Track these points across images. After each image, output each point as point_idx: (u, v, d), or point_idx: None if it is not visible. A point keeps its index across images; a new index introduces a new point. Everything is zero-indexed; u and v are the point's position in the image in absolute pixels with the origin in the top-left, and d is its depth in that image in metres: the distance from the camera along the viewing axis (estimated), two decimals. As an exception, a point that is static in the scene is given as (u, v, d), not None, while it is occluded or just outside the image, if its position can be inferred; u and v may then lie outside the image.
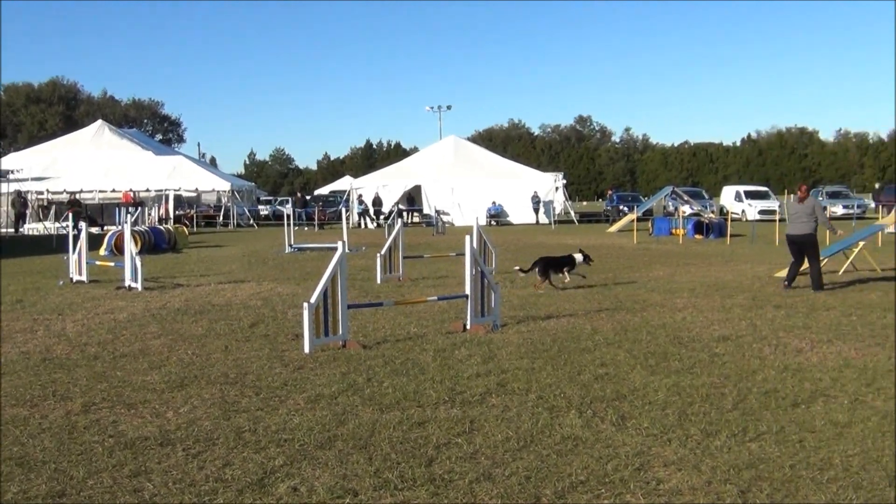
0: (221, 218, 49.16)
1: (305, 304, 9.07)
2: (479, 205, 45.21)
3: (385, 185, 48.98)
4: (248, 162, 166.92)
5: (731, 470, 5.35)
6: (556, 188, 49.09)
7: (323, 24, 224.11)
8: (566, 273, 15.30)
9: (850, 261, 17.46)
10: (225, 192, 51.44)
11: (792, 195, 16.16)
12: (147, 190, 47.98)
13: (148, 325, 11.21)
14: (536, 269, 15.17)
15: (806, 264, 14.78)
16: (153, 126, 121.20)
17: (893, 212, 30.90)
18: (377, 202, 47.82)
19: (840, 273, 16.77)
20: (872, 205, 52.79)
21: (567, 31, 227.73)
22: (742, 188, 54.06)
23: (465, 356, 8.96)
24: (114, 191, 47.53)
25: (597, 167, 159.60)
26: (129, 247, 15.71)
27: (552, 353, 9.11)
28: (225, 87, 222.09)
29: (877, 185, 66.40)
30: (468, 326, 10.45)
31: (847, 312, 11.86)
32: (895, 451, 5.67)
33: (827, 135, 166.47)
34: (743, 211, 48.80)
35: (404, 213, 47.00)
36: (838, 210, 48.26)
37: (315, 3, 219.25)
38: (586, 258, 15.67)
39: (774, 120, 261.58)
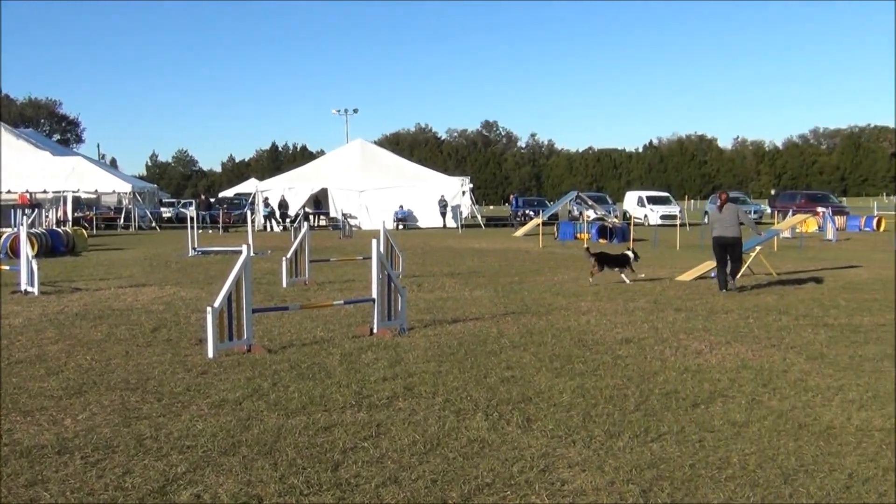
0: (122, 220, 48.06)
1: (209, 308, 8.92)
2: (386, 208, 45.15)
3: (291, 187, 48.50)
4: (149, 163, 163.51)
5: (633, 470, 5.45)
6: (463, 192, 49.30)
7: (228, 22, 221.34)
8: (622, 270, 16.97)
9: (746, 265, 17.93)
10: (126, 193, 50.27)
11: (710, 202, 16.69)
12: (44, 191, 46.57)
13: (45, 331, 10.88)
14: (593, 259, 16.75)
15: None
16: (50, 126, 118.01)
17: (788, 217, 31.97)
18: (283, 205, 47.32)
19: (738, 277, 17.19)
20: (769, 210, 54.39)
21: (473, 35, 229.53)
22: (644, 193, 55.08)
23: (372, 360, 8.93)
24: (9, 192, 46.00)
25: (503, 172, 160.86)
26: (26, 250, 15.24)
27: (459, 356, 9.15)
28: (125, 86, 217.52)
29: (773, 192, 68.51)
30: (375, 330, 10.42)
31: (744, 315, 12.19)
32: (790, 450, 5.85)
33: (725, 142, 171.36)
34: (645, 216, 49.73)
35: (311, 217, 46.64)
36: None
37: (218, 1, 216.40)
38: (635, 256, 17.29)
39: (675, 127, 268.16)
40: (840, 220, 40.05)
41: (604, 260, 16.75)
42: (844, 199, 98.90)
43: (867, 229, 39.92)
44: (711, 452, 5.81)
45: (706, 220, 16.25)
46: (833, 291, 15.03)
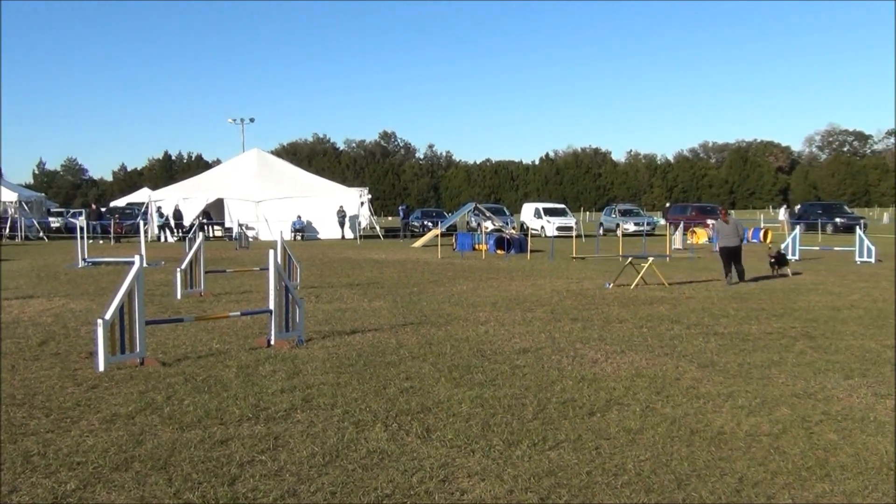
0: (8, 230, 46.38)
1: (99, 321, 8.67)
2: (283, 219, 44.68)
3: (186, 197, 47.57)
4: (37, 172, 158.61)
5: (531, 478, 5.49)
6: (362, 203, 49.15)
7: (119, 24, 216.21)
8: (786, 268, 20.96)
9: (640, 275, 18.34)
10: (11, 203, 48.53)
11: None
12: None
13: (-77, 345, 10.41)
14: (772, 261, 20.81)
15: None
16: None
17: (679, 229, 32.79)
18: (178, 215, 46.39)
19: (632, 287, 17.58)
20: (662, 222, 55.70)
21: (371, 46, 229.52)
22: (541, 205, 55.76)
23: (270, 372, 8.81)
24: None
25: (402, 183, 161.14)
26: None
27: (358, 367, 9.10)
28: (10, 91, 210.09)
29: (667, 205, 70.22)
30: (272, 342, 10.29)
31: (639, 325, 12.44)
32: (683, 456, 5.99)
33: (619, 155, 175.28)
34: (542, 227, 50.36)
35: (206, 227, 45.85)
36: (630, 227, 50.59)
37: (109, 2, 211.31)
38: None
39: (571, 140, 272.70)
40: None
41: (780, 261, 21.28)
42: (733, 211, 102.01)
43: (754, 241, 41.16)
44: (608, 459, 5.91)
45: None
46: (723, 301, 15.46)
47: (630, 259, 19.17)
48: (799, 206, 63.70)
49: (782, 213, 65.01)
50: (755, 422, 6.91)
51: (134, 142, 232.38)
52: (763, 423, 6.85)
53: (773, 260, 21.39)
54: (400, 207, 61.90)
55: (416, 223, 56.65)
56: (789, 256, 26.81)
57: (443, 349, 10.23)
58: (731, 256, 19.35)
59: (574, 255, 28.04)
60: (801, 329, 12.03)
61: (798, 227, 33.68)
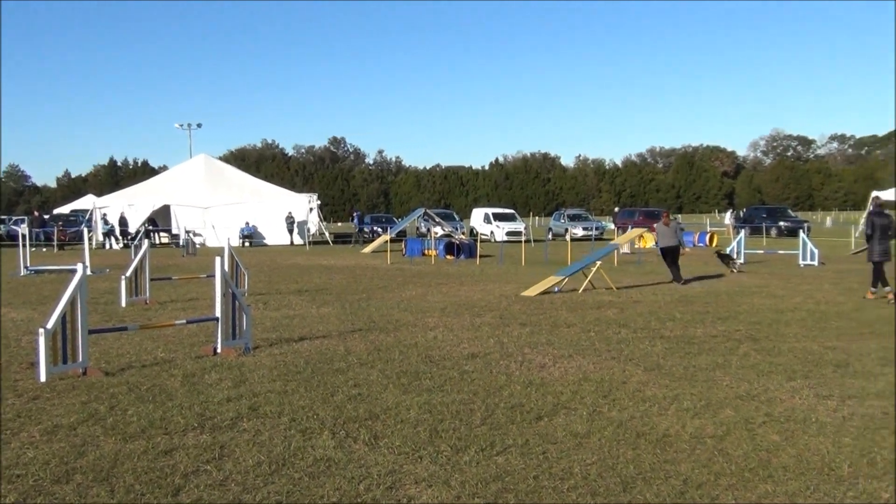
0: (-53, 238, 45.49)
1: (41, 330, 8.52)
2: (231, 225, 44.26)
3: (132, 204, 46.92)
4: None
5: (479, 484, 5.49)
6: (311, 209, 48.87)
7: (62, 28, 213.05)
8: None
9: (588, 279, 18.47)
10: (-48, 210, 47.64)
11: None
12: None
13: None
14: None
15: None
16: None
17: (627, 232, 33.06)
18: (123, 222, 45.75)
19: (580, 291, 17.69)
20: (611, 226, 56.12)
21: (319, 50, 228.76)
22: (490, 210, 55.93)
23: (216, 380, 8.72)
24: None
25: (351, 188, 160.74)
26: None
27: (305, 374, 9.04)
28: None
29: (616, 209, 70.82)
30: (219, 350, 10.19)
31: (586, 329, 12.52)
32: (629, 459, 6.03)
33: (568, 160, 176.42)
34: (492, 232, 50.51)
35: (152, 234, 45.30)
36: (579, 231, 50.91)
37: (50, 4, 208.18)
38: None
39: (520, 146, 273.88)
40: (675, 236, 41.58)
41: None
42: (680, 215, 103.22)
43: (700, 245, 41.67)
44: (555, 463, 5.93)
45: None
46: (669, 305, 15.62)
47: (598, 265, 19.29)
48: (744, 210, 64.60)
49: (728, 217, 65.95)
50: (700, 424, 6.98)
51: (78, 148, 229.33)
52: (707, 426, 6.93)
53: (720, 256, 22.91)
54: (355, 213, 61.73)
55: (366, 229, 56.52)
56: (736, 259, 27.26)
57: (391, 355, 10.21)
58: (670, 256, 20.98)
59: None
60: (746, 332, 12.20)
61: (743, 230, 34.12)
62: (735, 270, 22.54)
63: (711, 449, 6.28)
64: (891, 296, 16.02)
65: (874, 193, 27.46)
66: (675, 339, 11.57)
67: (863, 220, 16.84)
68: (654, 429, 6.83)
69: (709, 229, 50.36)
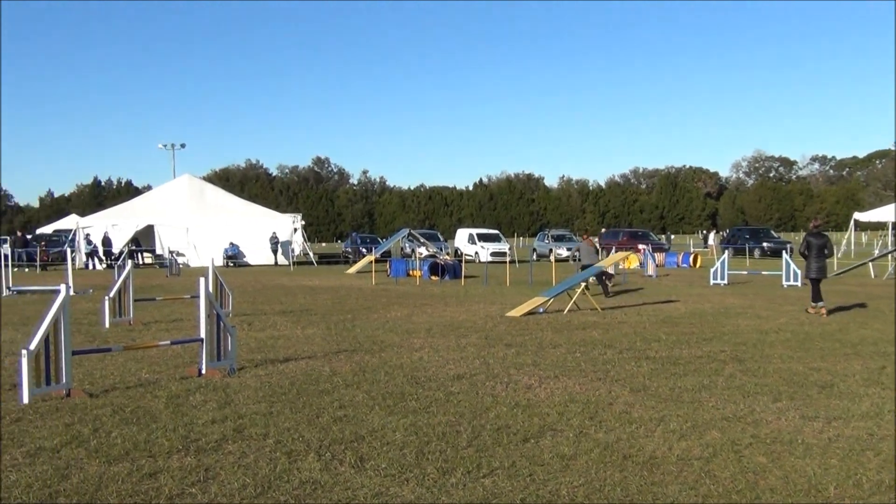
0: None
1: (24, 351, 8.45)
2: (215, 245, 44.16)
3: (115, 224, 46.73)
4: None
5: (466, 506, 5.47)
6: (295, 229, 48.83)
7: (45, 46, 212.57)
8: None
9: (573, 300, 18.49)
10: (-67, 230, 47.36)
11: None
12: None
13: None
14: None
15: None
16: None
17: (612, 255, 33.13)
18: (107, 242, 45.54)
19: (565, 312, 17.71)
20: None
21: (304, 72, 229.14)
22: (475, 231, 55.98)
23: (201, 402, 8.67)
24: None
25: (336, 209, 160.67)
26: None
27: (291, 396, 9.00)
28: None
29: (602, 230, 71.05)
30: (203, 371, 10.13)
31: (572, 349, 12.52)
32: (616, 481, 6.02)
33: (551, 181, 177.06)
34: (476, 253, 50.52)
35: (136, 254, 45.12)
36: (563, 252, 51.01)
37: (35, 26, 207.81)
38: None
39: (504, 166, 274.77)
40: (659, 257, 41.83)
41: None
42: (663, 236, 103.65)
43: (684, 265, 41.81)
44: (541, 486, 5.91)
45: (574, 254, 26.12)
46: (654, 325, 15.65)
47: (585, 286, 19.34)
48: (727, 231, 64.93)
49: (711, 238, 66.24)
50: (686, 446, 6.98)
51: (61, 167, 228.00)
52: (694, 447, 6.93)
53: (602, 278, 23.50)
54: (353, 234, 61.73)
55: (349, 249, 56.49)
56: (718, 281, 27.33)
57: (377, 376, 10.18)
58: (602, 272, 23.03)
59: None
60: (731, 353, 12.23)
61: (727, 251, 34.26)
62: (608, 294, 22.99)
63: (698, 471, 6.28)
64: (823, 311, 17.50)
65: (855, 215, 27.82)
66: (661, 359, 11.58)
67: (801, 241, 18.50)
68: (641, 451, 6.81)
69: (692, 250, 50.52)
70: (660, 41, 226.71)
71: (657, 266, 36.14)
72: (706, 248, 63.82)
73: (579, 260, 24.63)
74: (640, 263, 38.77)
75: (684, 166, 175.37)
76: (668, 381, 9.91)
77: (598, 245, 25.00)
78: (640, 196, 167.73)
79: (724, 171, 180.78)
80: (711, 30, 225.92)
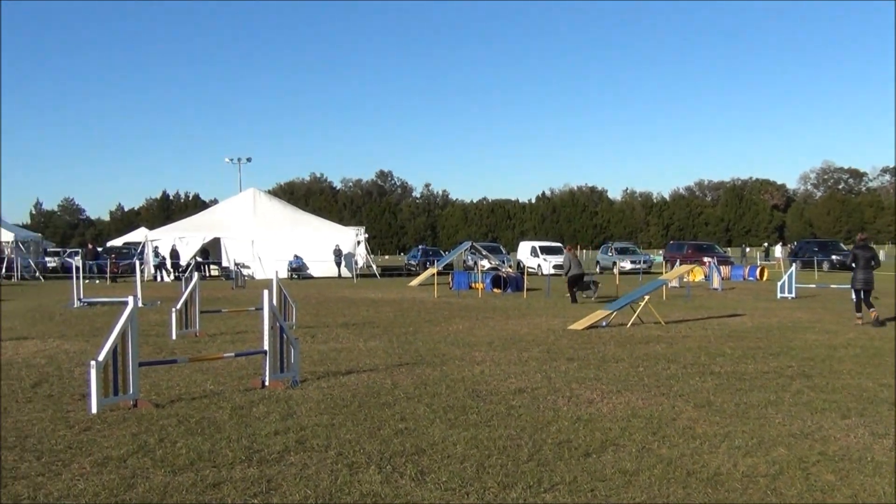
0: (4, 270, 46.36)
1: (93, 362, 8.62)
2: (280, 258, 44.64)
3: (182, 237, 47.59)
4: (34, 212, 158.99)
5: (526, 521, 5.43)
6: (358, 242, 49.19)
7: (117, 66, 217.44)
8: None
9: (636, 314, 18.31)
10: (8, 243, 48.61)
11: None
12: (-80, 241, 44.69)
13: (-84, 387, 10.34)
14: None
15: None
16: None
17: (676, 268, 32.78)
18: (174, 255, 46.38)
19: (628, 326, 17.54)
20: (659, 259, 55.71)
21: (368, 86, 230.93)
22: (537, 244, 55.79)
23: (264, 413, 8.75)
24: None
25: (398, 221, 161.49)
26: None
27: (352, 408, 9.04)
28: (8, 131, 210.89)
29: (671, 243, 70.39)
30: (267, 383, 10.23)
31: (635, 364, 12.39)
32: (679, 498, 5.93)
33: (615, 194, 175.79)
34: (539, 265, 50.36)
35: (202, 266, 45.81)
36: (627, 265, 50.60)
37: (105, 45, 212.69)
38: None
39: (567, 179, 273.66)
40: (725, 270, 41.28)
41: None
42: (729, 249, 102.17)
43: (751, 279, 41.20)
44: (603, 501, 5.85)
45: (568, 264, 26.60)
46: (719, 340, 15.42)
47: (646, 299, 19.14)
48: (795, 244, 63.86)
49: (778, 251, 65.20)
50: (752, 462, 6.85)
51: (131, 182, 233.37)
52: (760, 464, 6.80)
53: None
54: (421, 247, 61.94)
55: (412, 262, 56.68)
56: (785, 294, 26.85)
57: (438, 389, 10.18)
58: (576, 281, 26.04)
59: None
60: (798, 368, 12.00)
61: (794, 264, 33.66)
62: (593, 298, 24.19)
63: (764, 488, 6.16)
64: (865, 318, 18.12)
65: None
66: (726, 375, 11.40)
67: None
68: (705, 467, 6.71)
69: (759, 263, 49.75)
70: (726, 50, 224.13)
71: (723, 279, 35.66)
72: (767, 261, 62.81)
73: (567, 271, 26.48)
74: (706, 276, 38.29)
75: (750, 178, 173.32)
76: (734, 397, 9.75)
77: (580, 259, 28.04)
78: (705, 208, 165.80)
79: (792, 183, 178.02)
80: (779, 39, 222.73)
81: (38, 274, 47.28)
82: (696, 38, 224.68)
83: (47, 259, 55.08)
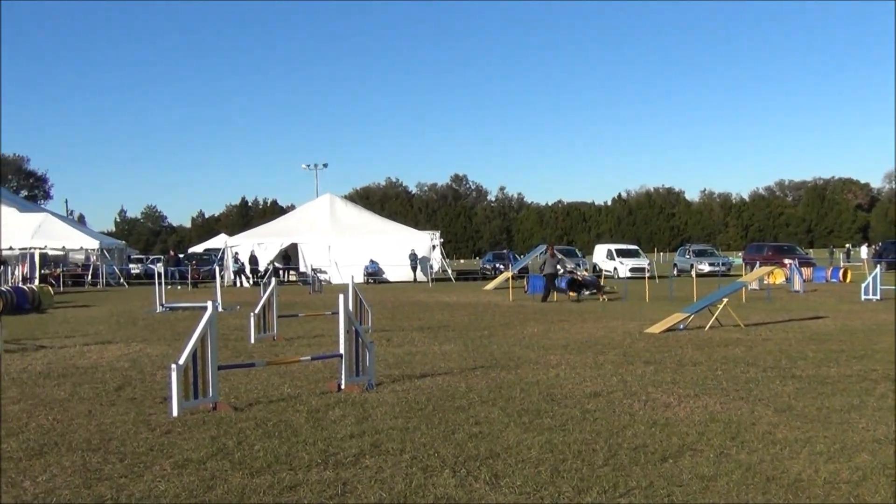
0: (90, 277, 47.66)
1: (173, 366, 8.81)
2: (356, 263, 45.06)
3: (261, 242, 48.37)
4: (118, 219, 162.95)
5: (601, 526, 5.39)
6: (434, 246, 49.37)
7: (196, 80, 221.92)
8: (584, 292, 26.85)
9: (714, 316, 18.03)
10: (94, 250, 49.97)
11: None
12: (10, 248, 46.09)
13: (7, 390, 10.68)
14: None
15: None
16: (18, 182, 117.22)
17: (756, 270, 32.20)
18: (253, 260, 47.15)
19: (706, 329, 17.29)
20: (738, 261, 54.79)
21: (443, 89, 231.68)
22: (613, 246, 55.36)
23: (339, 417, 8.84)
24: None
25: (473, 225, 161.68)
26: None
27: (427, 411, 9.07)
28: (94, 143, 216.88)
29: (751, 244, 69.25)
30: (342, 386, 10.33)
31: (713, 367, 12.21)
32: None
33: (692, 195, 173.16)
34: (615, 268, 49.98)
35: (280, 272, 46.46)
36: (705, 267, 49.87)
37: (186, 58, 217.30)
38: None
39: (643, 180, 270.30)
40: (807, 272, 40.42)
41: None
42: (811, 250, 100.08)
43: (833, 280, 40.29)
44: (680, 507, 5.77)
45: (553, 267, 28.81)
46: (800, 343, 15.11)
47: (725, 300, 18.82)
48: (879, 245, 62.24)
49: (863, 252, 63.62)
50: (834, 469, 6.69)
51: (212, 189, 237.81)
52: (842, 470, 6.64)
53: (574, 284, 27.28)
54: (508, 253, 61.95)
55: (487, 266, 56.68)
56: (870, 296, 26.15)
57: (512, 393, 10.16)
58: (551, 281, 28.52)
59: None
60: (883, 371, 11.68)
61: (879, 265, 32.79)
62: (602, 298, 23.76)
63: (847, 495, 6.01)
64: None
65: None
66: (808, 378, 11.16)
67: None
68: (786, 473, 6.58)
69: (842, 265, 48.60)
70: (804, 46, 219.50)
71: (804, 281, 34.92)
72: (849, 262, 61.31)
73: (541, 269, 29.24)
74: (787, 278, 37.53)
75: (833, 177, 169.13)
76: (815, 401, 9.54)
77: (562, 260, 31.53)
78: (785, 209, 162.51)
79: (877, 182, 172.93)
80: (862, 34, 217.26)
81: (122, 280, 48.48)
82: (777, 37, 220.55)
83: (131, 266, 56.50)
